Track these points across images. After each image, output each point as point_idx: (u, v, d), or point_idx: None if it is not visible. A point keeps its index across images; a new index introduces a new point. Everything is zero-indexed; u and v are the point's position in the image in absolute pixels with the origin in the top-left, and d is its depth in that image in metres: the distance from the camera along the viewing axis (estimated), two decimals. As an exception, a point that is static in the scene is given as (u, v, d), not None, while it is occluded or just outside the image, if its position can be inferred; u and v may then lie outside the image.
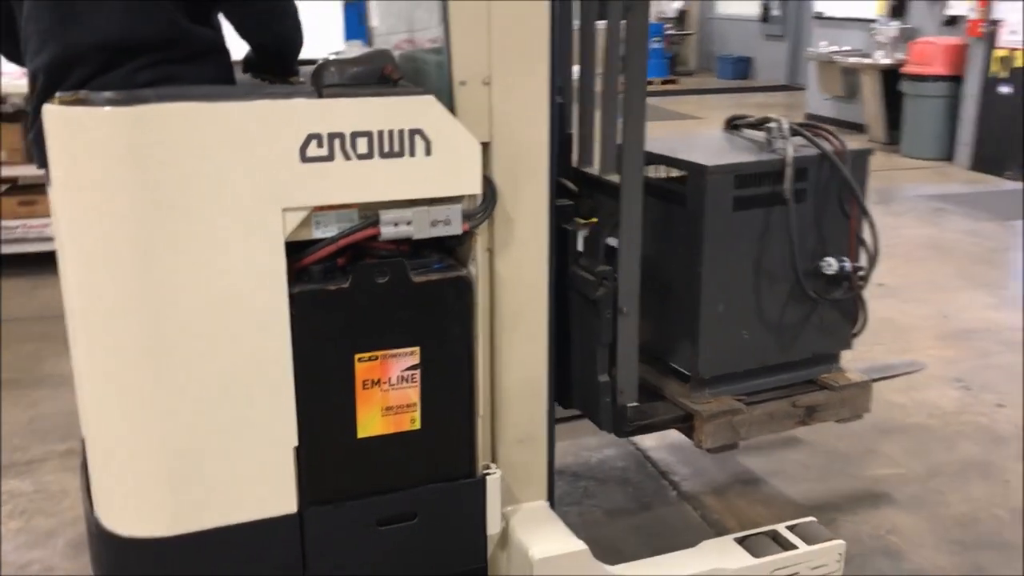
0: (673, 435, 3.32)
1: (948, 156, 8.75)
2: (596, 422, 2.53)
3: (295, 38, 2.05)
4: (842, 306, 2.62)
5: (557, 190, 2.48)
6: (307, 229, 1.95)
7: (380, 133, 1.92)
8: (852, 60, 9.87)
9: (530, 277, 2.23)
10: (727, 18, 17.69)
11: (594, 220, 2.48)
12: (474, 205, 2.07)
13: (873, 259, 2.56)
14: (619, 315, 2.36)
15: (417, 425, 2.11)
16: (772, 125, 2.53)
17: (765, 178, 2.43)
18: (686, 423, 2.52)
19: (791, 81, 15.59)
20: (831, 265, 2.50)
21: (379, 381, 2.06)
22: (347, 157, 1.90)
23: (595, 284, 2.36)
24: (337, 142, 1.89)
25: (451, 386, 2.14)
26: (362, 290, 1.99)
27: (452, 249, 2.16)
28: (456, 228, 2.04)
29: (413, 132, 1.94)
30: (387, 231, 1.98)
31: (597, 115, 2.57)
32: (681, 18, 17.40)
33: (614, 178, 2.40)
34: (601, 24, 2.49)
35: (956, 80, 8.59)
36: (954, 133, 8.67)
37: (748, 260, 2.48)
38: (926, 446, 3.34)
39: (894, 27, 9.48)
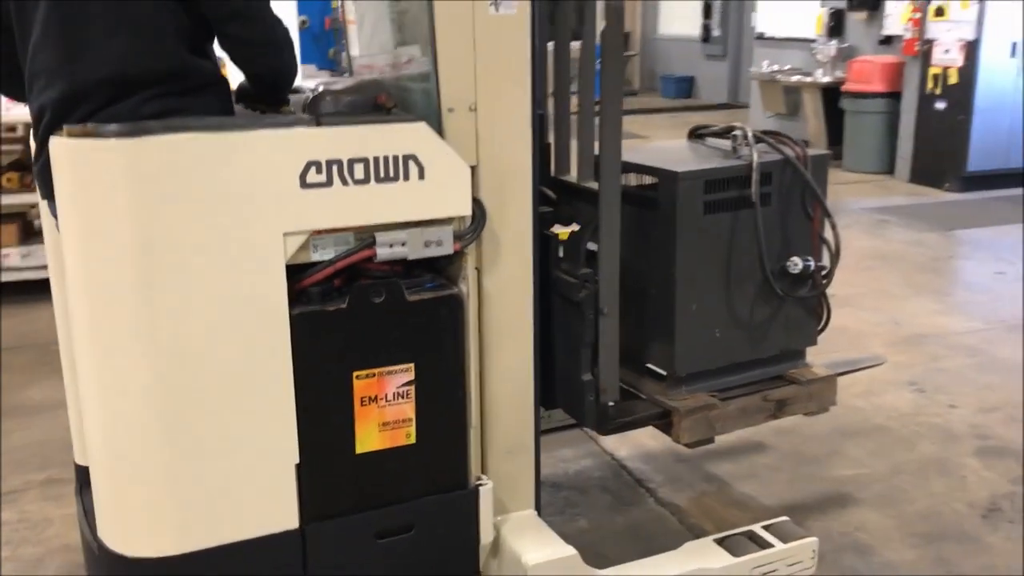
0: (647, 445, 3.45)
1: (889, 170, 9.06)
2: (580, 420, 2.63)
3: (291, 70, 2.13)
4: (807, 304, 2.75)
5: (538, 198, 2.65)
6: (305, 252, 2.03)
7: (376, 159, 2.00)
8: (794, 79, 10.18)
9: (516, 293, 2.32)
10: (669, 39, 18.03)
11: (575, 227, 2.59)
12: (464, 226, 2.16)
13: (835, 258, 2.70)
14: (600, 316, 2.46)
15: (412, 439, 2.19)
16: (737, 133, 2.66)
17: (732, 183, 2.56)
18: (664, 419, 2.62)
19: (733, 100, 15.96)
20: (797, 264, 2.62)
21: (376, 397, 2.13)
22: (345, 182, 1.98)
23: (577, 286, 2.47)
24: (335, 168, 1.97)
25: (444, 400, 2.22)
26: (359, 310, 2.07)
27: (442, 268, 2.25)
28: (448, 248, 2.13)
29: (407, 158, 2.03)
30: (383, 252, 2.07)
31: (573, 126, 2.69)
32: (624, 39, 17.67)
33: (592, 185, 2.52)
34: (576, 44, 2.60)
35: (894, 96, 8.91)
36: (894, 148, 8.99)
37: (718, 261, 2.60)
38: (887, 446, 3.50)
39: (833, 46, 9.81)
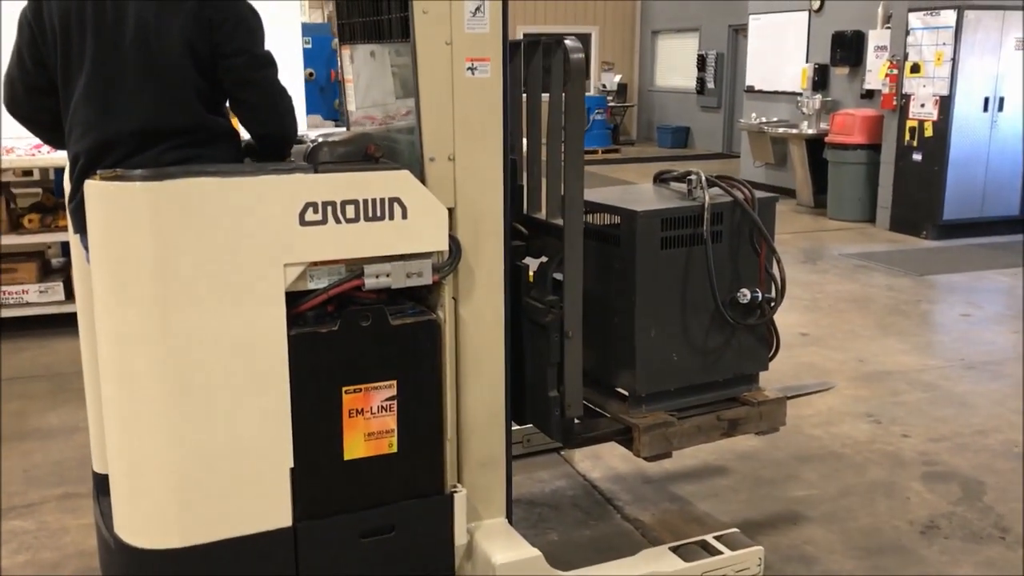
0: (618, 468, 3.73)
1: (871, 218, 9.40)
2: (548, 434, 2.90)
3: (292, 133, 2.46)
4: (757, 332, 3.03)
5: (511, 233, 2.92)
6: (303, 281, 2.33)
7: (365, 201, 2.32)
8: (780, 130, 10.57)
9: (489, 320, 2.62)
10: (665, 90, 18.53)
11: (543, 259, 2.89)
12: (442, 260, 2.47)
13: (780, 290, 2.98)
14: (565, 338, 2.74)
15: (394, 448, 2.48)
16: (692, 177, 2.97)
17: (687, 221, 2.84)
18: (626, 435, 2.89)
19: (727, 149, 16.40)
20: (745, 295, 2.91)
21: (362, 410, 2.42)
22: (338, 221, 2.30)
23: (544, 311, 2.76)
24: (330, 209, 2.28)
25: (423, 414, 2.51)
26: (349, 332, 2.37)
27: (423, 297, 2.55)
28: (427, 279, 2.43)
29: (392, 200, 2.35)
30: (370, 282, 2.37)
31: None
32: (622, 91, 18.17)
33: (559, 221, 2.80)
34: (545, 96, 2.91)
35: (874, 148, 9.29)
36: (875, 197, 9.34)
37: (675, 292, 2.87)
38: (839, 471, 3.77)
39: (817, 100, 10.21)
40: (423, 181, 2.46)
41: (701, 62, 17.05)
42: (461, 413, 2.64)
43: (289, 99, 2.41)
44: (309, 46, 8.48)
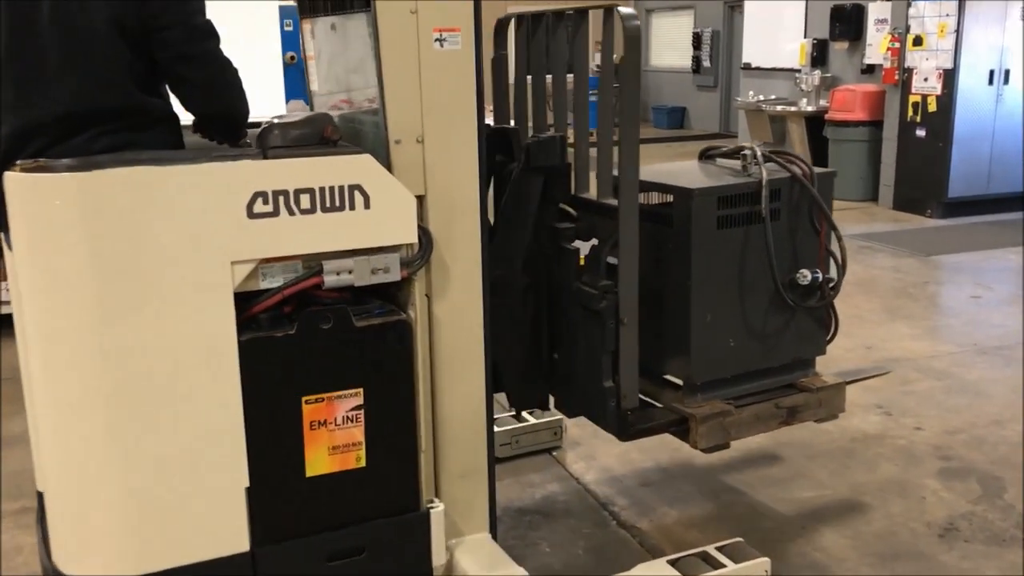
0: (614, 469, 3.50)
1: (873, 197, 9.15)
2: (602, 426, 2.75)
3: (239, 112, 2.20)
4: (816, 314, 2.88)
5: (559, 215, 2.84)
6: (254, 280, 2.09)
7: (322, 189, 2.08)
8: (779, 108, 10.30)
9: (466, 319, 2.38)
10: (661, 70, 18.23)
11: (594, 242, 2.73)
12: (412, 253, 2.22)
13: (842, 270, 2.82)
14: (620, 325, 2.59)
15: (362, 463, 2.24)
16: (747, 152, 2.79)
17: (743, 199, 2.69)
18: (681, 426, 2.73)
19: (724, 129, 16.13)
20: (806, 276, 2.75)
21: (325, 422, 2.19)
22: (291, 212, 2.05)
23: (598, 297, 2.60)
24: (282, 199, 2.04)
25: (394, 424, 2.27)
26: (308, 336, 2.13)
27: (392, 295, 2.31)
28: (395, 275, 2.19)
29: (352, 188, 2.10)
30: (330, 280, 2.13)
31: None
32: (616, 71, 17.81)
33: (611, 202, 2.65)
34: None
35: (876, 125, 9.02)
36: (877, 175, 9.09)
37: (731, 274, 2.72)
38: (849, 468, 3.54)
39: (816, 76, 9.94)
40: (388, 166, 2.22)
41: (696, 40, 16.76)
42: (438, 421, 2.41)
43: (234, 73, 2.15)
44: (290, 29, 8.20)
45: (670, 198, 2.72)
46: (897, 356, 4.72)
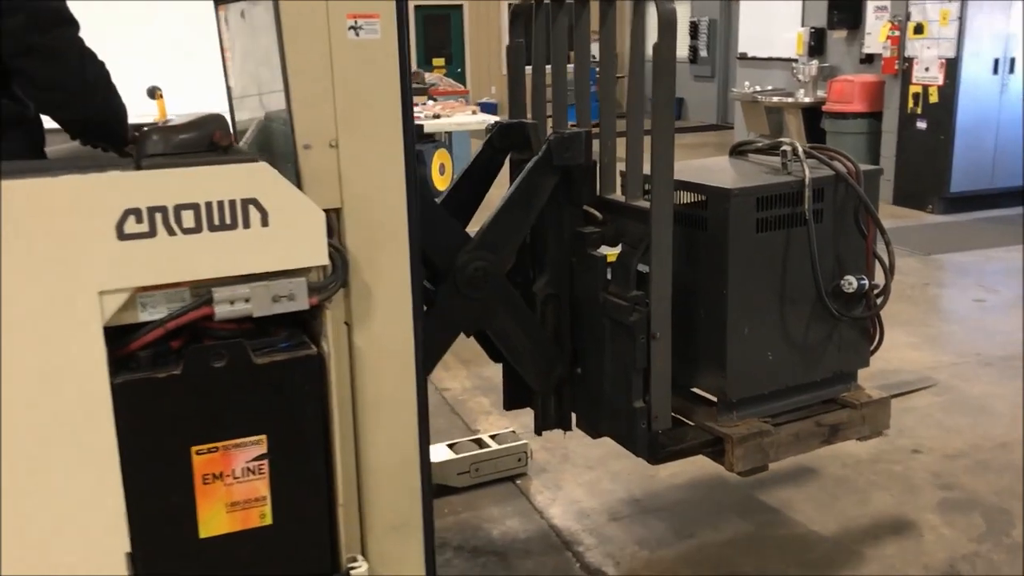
0: (581, 503, 3.19)
1: (871, 191, 8.80)
2: (630, 448, 2.54)
3: (110, 109, 1.88)
4: (859, 324, 2.66)
5: (583, 218, 2.62)
6: (132, 312, 1.78)
7: (208, 205, 1.76)
8: (775, 99, 9.96)
9: (394, 350, 2.07)
10: (657, 60, 17.87)
11: (621, 247, 2.53)
12: (323, 277, 1.91)
13: (889, 276, 2.61)
14: (652, 340, 2.38)
15: (268, 520, 1.93)
16: (786, 148, 2.56)
17: (785, 200, 2.48)
18: (716, 447, 2.52)
19: (722, 120, 15.78)
20: (851, 283, 2.54)
21: (221, 474, 1.88)
22: (171, 232, 1.74)
23: (628, 309, 2.39)
24: (159, 216, 1.73)
25: (305, 475, 1.96)
26: (197, 376, 1.82)
27: (309, 323, 1.99)
28: (302, 303, 1.88)
29: (246, 202, 1.79)
30: (222, 310, 1.82)
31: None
32: (614, 61, 17.51)
33: (642, 204, 2.43)
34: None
35: (875, 116, 8.69)
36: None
37: (771, 281, 2.51)
38: (838, 500, 3.22)
39: (814, 66, 9.59)
40: (297, 175, 1.91)
41: (693, 29, 16.40)
42: (363, 468, 2.10)
43: (99, 67, 1.82)
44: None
45: (703, 198, 2.48)
46: (895, 367, 4.38)
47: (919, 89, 8.17)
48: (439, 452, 3.30)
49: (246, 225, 1.80)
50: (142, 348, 1.80)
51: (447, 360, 4.68)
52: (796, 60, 9.98)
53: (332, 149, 1.93)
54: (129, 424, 1.78)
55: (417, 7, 16.72)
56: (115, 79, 1.93)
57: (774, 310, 2.54)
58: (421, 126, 5.38)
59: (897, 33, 8.34)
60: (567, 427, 2.84)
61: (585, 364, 2.67)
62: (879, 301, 2.62)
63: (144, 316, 1.79)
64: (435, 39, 17.41)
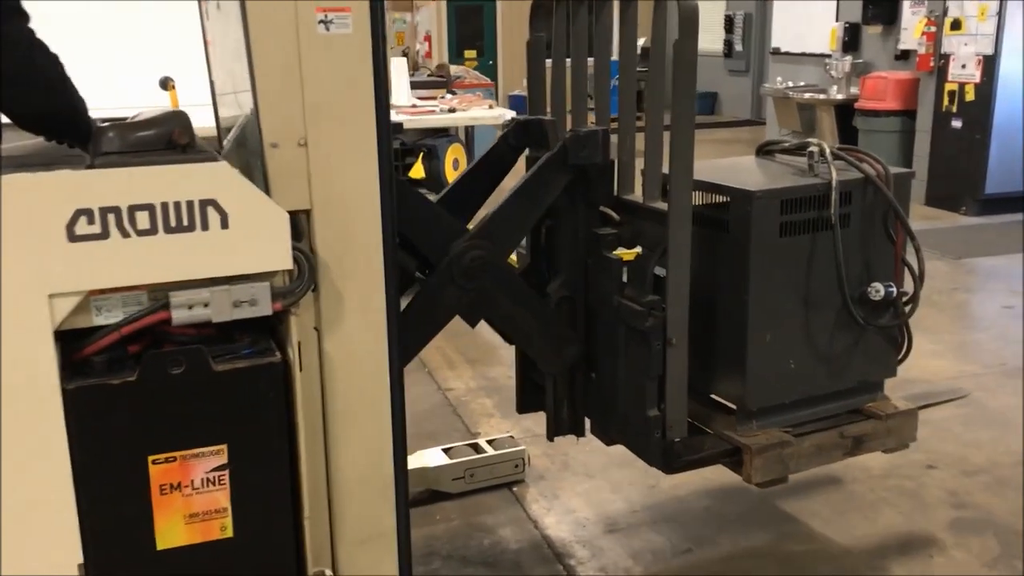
0: (577, 512, 3.10)
1: (904, 191, 8.59)
2: (643, 457, 2.47)
3: (64, 103, 1.81)
4: (886, 332, 2.59)
5: (599, 218, 2.54)
6: (86, 316, 1.72)
7: (164, 205, 1.69)
8: (807, 95, 9.76)
9: (366, 357, 2.00)
10: (692, 54, 17.67)
11: (638, 250, 2.45)
12: (289, 281, 1.83)
13: (919, 283, 2.53)
14: (668, 346, 2.31)
15: (229, 533, 1.86)
16: (813, 149, 2.49)
17: (810, 203, 2.41)
18: (734, 457, 2.46)
19: (756, 116, 15.54)
20: (878, 291, 2.47)
21: (180, 485, 1.81)
22: (125, 234, 1.67)
23: (643, 315, 2.32)
24: (112, 217, 1.66)
25: (268, 487, 1.88)
26: (153, 383, 1.75)
27: (276, 329, 1.92)
28: (265, 308, 1.80)
29: (204, 203, 1.72)
30: (180, 315, 1.74)
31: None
32: (645, 54, 17.32)
33: (660, 205, 2.36)
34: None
35: (909, 115, 8.47)
36: (909, 168, 8.51)
37: (794, 287, 2.44)
38: (845, 515, 3.10)
39: (847, 62, 9.38)
40: (264, 175, 1.83)
41: (728, 23, 16.17)
42: (333, 478, 2.03)
43: (52, 59, 1.75)
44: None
45: (725, 199, 2.40)
46: (914, 376, 4.20)
47: (955, 87, 7.94)
48: (434, 456, 3.23)
49: (204, 227, 1.72)
50: (97, 353, 1.74)
51: (453, 359, 4.65)
52: (829, 56, 9.76)
53: (301, 148, 1.86)
54: (82, 431, 1.71)
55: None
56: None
57: (797, 317, 2.46)
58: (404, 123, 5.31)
59: (933, 29, 8.11)
60: (580, 433, 2.75)
61: (599, 369, 2.60)
62: (907, 309, 2.54)
63: (99, 320, 1.73)
64: (467, 31, 17.33)
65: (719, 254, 2.44)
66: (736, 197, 2.40)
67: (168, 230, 1.70)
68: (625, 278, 2.47)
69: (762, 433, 2.48)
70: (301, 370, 1.93)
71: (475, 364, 4.36)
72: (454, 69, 9.43)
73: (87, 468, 1.73)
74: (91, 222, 1.65)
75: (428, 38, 16.79)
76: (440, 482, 3.16)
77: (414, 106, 5.51)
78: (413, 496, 3.14)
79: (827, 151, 2.50)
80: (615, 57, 2.59)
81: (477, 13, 17.50)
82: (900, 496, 3.22)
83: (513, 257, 2.73)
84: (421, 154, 5.25)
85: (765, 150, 2.79)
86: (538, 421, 2.79)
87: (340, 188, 1.90)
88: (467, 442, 3.36)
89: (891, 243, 2.52)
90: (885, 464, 3.40)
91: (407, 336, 2.31)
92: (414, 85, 6.11)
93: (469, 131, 6.78)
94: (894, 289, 2.50)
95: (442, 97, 6.03)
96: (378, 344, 2.00)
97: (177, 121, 1.77)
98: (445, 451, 3.27)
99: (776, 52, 11.29)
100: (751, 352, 2.41)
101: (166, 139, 1.74)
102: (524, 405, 2.86)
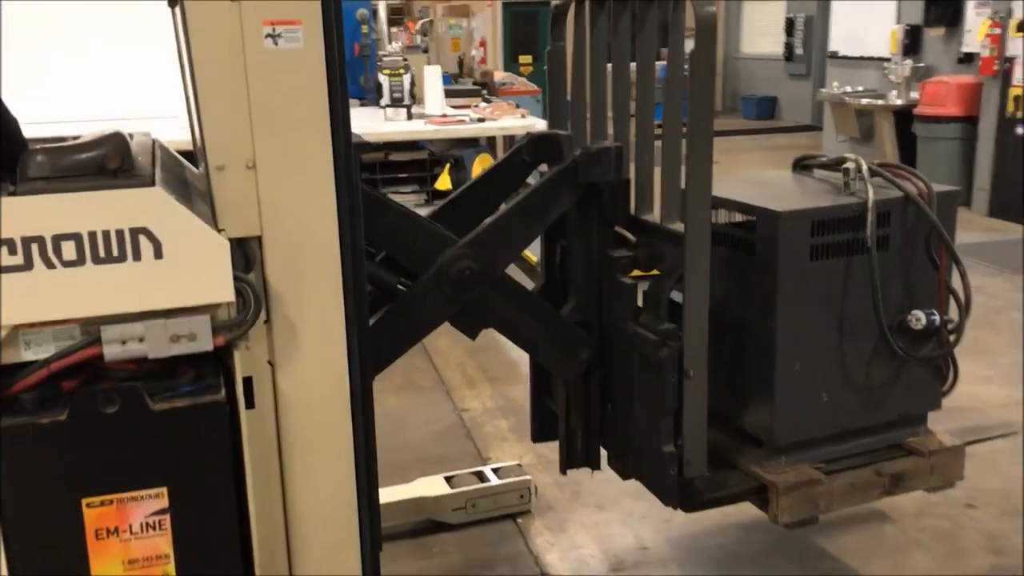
0: (583, 547, 2.94)
1: (966, 202, 8.19)
2: (658, 496, 2.32)
3: None
4: (930, 362, 2.42)
5: (614, 240, 2.40)
6: (15, 350, 1.62)
7: (92, 235, 1.59)
8: (864, 101, 9.41)
9: (323, 394, 1.87)
10: (751, 57, 17.33)
11: (654, 272, 2.31)
12: (233, 314, 1.71)
13: (964, 311, 2.35)
14: (685, 379, 2.16)
15: (172, 580, 1.75)
16: (849, 166, 2.34)
17: (844, 224, 2.27)
18: (760, 495, 2.32)
19: (816, 121, 15.11)
20: (919, 319, 2.32)
21: (117, 530, 1.70)
22: (49, 265, 1.58)
23: (657, 344, 2.18)
24: (35, 247, 1.57)
25: (214, 532, 1.76)
26: (84, 422, 1.64)
27: (225, 363, 1.80)
28: (205, 343, 1.68)
29: (135, 231, 1.61)
30: (112, 351, 1.64)
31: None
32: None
33: (677, 227, 2.21)
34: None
35: (971, 121, 8.08)
36: (971, 177, 8.14)
37: (827, 314, 2.30)
38: (871, 557, 2.86)
39: (907, 66, 9.02)
40: (210, 199, 1.72)
41: (789, 26, 15.77)
42: (291, 523, 1.90)
43: None
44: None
45: (751, 219, 2.31)
46: (962, 404, 3.92)
47: (1020, 91, 7.55)
48: (435, 485, 3.09)
49: (136, 257, 1.61)
50: (27, 390, 1.64)
51: (473, 377, 4.51)
52: (889, 59, 9.40)
53: (249, 171, 1.74)
54: (10, 472, 1.62)
55: (505, 4, 16.59)
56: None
57: (830, 346, 2.31)
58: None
59: (998, 31, 7.73)
60: (595, 466, 2.60)
61: (614, 399, 2.46)
62: (952, 339, 2.36)
63: (28, 355, 1.64)
64: (522, 37, 17.19)
65: (746, 277, 2.31)
66: (763, 217, 2.26)
67: (97, 260, 1.59)
68: (641, 303, 2.33)
69: (791, 470, 2.33)
70: (253, 407, 1.83)
71: (495, 383, 4.22)
72: (500, 76, 9.33)
73: (17, 511, 1.64)
74: (12, 252, 1.55)
75: (483, 44, 16.71)
76: (440, 512, 3.02)
77: (444, 116, 5.40)
78: (412, 527, 3.03)
79: (863, 167, 2.34)
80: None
81: (533, 19, 17.36)
82: (934, 538, 2.98)
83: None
84: (448, 165, 5.14)
85: (802, 165, 2.64)
86: (553, 447, 2.65)
87: (292, 213, 1.78)
88: (470, 470, 3.21)
89: (934, 268, 2.36)
90: (920, 501, 3.16)
91: (382, 344, 2.20)
92: (448, 93, 5.99)
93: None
94: (937, 318, 2.34)
95: (476, 106, 5.90)
96: (336, 380, 1.87)
97: (113, 143, 1.66)
98: (447, 479, 3.13)
99: (834, 56, 10.95)
100: (779, 382, 2.27)
101: (99, 163, 1.64)
102: (539, 434, 2.72)
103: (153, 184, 1.63)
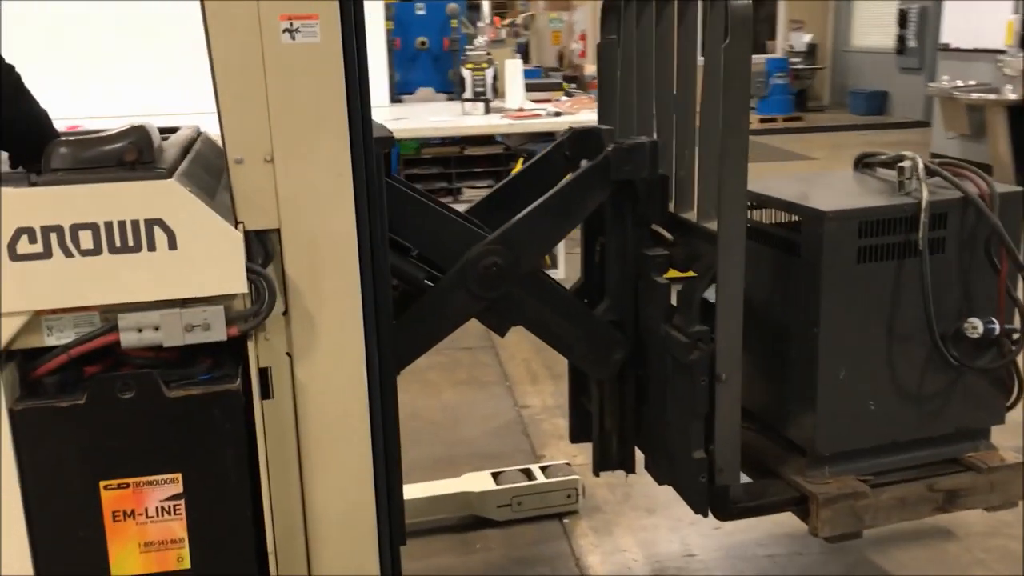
0: (629, 551, 2.90)
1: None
2: (688, 502, 2.28)
3: (12, 124, 1.77)
4: (990, 373, 2.30)
5: (651, 238, 2.37)
6: (36, 335, 1.68)
7: (108, 225, 1.63)
8: (975, 95, 8.96)
9: (341, 385, 1.88)
10: (862, 50, 16.72)
11: (690, 273, 2.27)
12: (248, 305, 1.74)
13: None
14: (717, 382, 2.10)
15: (186, 564, 1.79)
16: (905, 164, 2.25)
17: (895, 225, 2.18)
18: (800, 506, 2.24)
19: (928, 117, 14.49)
20: (976, 327, 2.21)
21: (133, 512, 1.75)
22: (68, 254, 1.63)
23: (688, 346, 2.13)
24: (54, 236, 1.62)
25: (228, 519, 1.80)
26: (101, 407, 1.69)
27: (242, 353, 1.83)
28: (219, 333, 1.71)
29: (150, 223, 1.65)
30: (128, 338, 1.68)
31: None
32: (812, 51, 16.53)
33: (711, 225, 2.16)
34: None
35: (1090, 117, 7.61)
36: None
37: (875, 320, 2.22)
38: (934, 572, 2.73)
39: (1022, 58, 8.54)
40: (230, 192, 1.75)
41: (902, 18, 15.14)
42: (309, 513, 1.92)
43: (7, 71, 1.72)
44: (423, 12, 7.94)
45: (797, 219, 2.23)
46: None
47: None
48: (481, 480, 3.08)
49: (151, 248, 1.65)
50: (49, 374, 1.70)
51: (537, 372, 4.48)
52: (1004, 52, 8.92)
53: (267, 164, 1.75)
54: (30, 454, 1.68)
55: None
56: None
57: (879, 353, 2.21)
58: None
59: (1122, 21, 7.24)
60: (630, 469, 2.56)
61: (649, 401, 2.41)
62: (1013, 349, 2.23)
63: (51, 340, 1.70)
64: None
65: (789, 279, 2.23)
66: (807, 217, 2.17)
67: (113, 250, 1.64)
68: (676, 303, 2.27)
69: (834, 481, 2.23)
70: (271, 397, 1.85)
71: (559, 379, 4.17)
72: (589, 69, 9.26)
73: (39, 492, 1.70)
74: (33, 241, 1.61)
75: (583, 37, 16.63)
76: (485, 508, 3.01)
77: (520, 110, 5.38)
78: (457, 521, 3.02)
79: (920, 166, 2.23)
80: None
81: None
82: (1000, 559, 2.81)
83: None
84: (520, 159, 5.12)
85: (864, 163, 2.53)
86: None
87: (310, 206, 1.79)
88: (519, 467, 3.19)
89: (995, 273, 2.23)
90: (992, 521, 2.96)
91: (407, 339, 2.19)
92: (531, 88, 5.98)
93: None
94: (996, 326, 2.20)
95: (557, 100, 5.87)
96: (355, 372, 1.88)
97: (131, 137, 1.70)
98: (494, 475, 3.12)
99: (945, 48, 10.46)
100: (822, 390, 2.18)
101: (118, 156, 1.68)
102: (577, 434, 2.69)
103: (170, 177, 1.66)
